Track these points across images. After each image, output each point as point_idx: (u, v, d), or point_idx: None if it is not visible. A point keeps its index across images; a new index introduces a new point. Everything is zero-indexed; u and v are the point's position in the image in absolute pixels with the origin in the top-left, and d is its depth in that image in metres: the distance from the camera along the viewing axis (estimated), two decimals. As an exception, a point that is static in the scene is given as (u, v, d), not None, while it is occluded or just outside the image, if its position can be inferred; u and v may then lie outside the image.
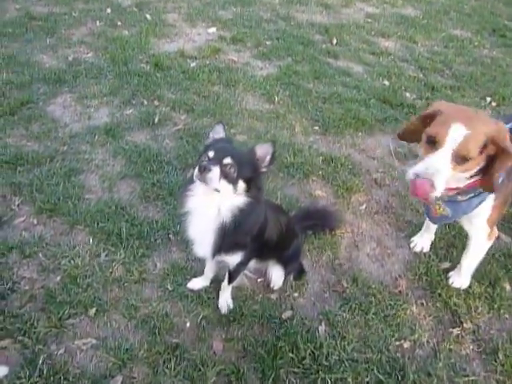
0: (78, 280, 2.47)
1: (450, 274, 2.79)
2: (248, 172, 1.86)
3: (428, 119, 2.02)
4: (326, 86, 4.68)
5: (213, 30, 5.46)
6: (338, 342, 2.38)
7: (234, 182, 1.81)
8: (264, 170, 1.94)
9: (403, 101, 4.63)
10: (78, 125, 3.62)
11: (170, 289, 2.51)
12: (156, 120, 3.76)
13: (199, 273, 2.59)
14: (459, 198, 2.23)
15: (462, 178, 2.06)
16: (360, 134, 4.07)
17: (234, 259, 2.17)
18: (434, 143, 1.91)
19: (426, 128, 2.00)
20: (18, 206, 2.87)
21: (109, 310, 2.37)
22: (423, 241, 2.98)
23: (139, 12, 5.56)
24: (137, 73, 4.30)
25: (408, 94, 4.80)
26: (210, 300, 2.49)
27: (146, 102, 3.97)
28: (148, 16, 5.50)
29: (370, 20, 6.78)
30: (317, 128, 4.03)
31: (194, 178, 1.81)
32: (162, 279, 2.56)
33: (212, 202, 1.87)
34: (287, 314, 2.50)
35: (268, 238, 2.26)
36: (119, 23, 5.26)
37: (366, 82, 4.89)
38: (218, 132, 2.03)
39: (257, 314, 2.46)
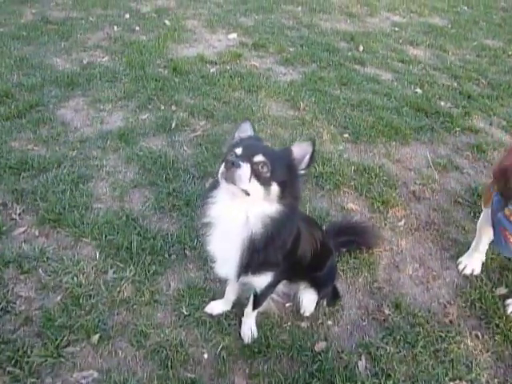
0: (81, 300, 2.16)
1: (508, 301, 2.41)
2: (283, 174, 1.56)
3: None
4: (355, 93, 4.37)
5: (233, 35, 5.23)
6: (383, 382, 2.01)
7: (266, 184, 1.51)
8: (302, 172, 1.62)
9: (439, 109, 4.29)
10: (89, 129, 3.37)
11: (186, 313, 2.18)
12: (173, 125, 3.49)
13: (219, 295, 2.25)
14: None
15: None
16: (394, 143, 3.73)
17: (262, 281, 1.83)
18: None
19: None
20: (20, 215, 2.59)
21: (114, 337, 2.04)
22: (473, 262, 2.61)
23: (158, 18, 5.39)
24: (154, 77, 4.06)
25: (443, 103, 4.46)
26: (231, 327, 2.15)
27: (162, 107, 3.71)
28: (167, 22, 5.31)
29: (396, 29, 6.50)
30: (346, 136, 3.70)
31: (219, 176, 1.49)
32: (176, 301, 2.23)
33: (239, 210, 1.56)
34: (321, 345, 2.14)
35: (301, 255, 1.93)
36: (137, 28, 5.08)
37: (396, 90, 4.57)
38: (245, 130, 1.72)
39: (285, 345, 2.11)
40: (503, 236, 2.22)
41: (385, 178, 3.29)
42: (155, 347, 2.02)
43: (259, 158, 1.49)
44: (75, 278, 2.25)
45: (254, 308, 2.05)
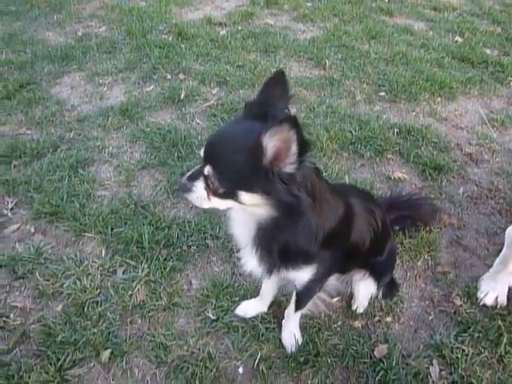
0: (86, 309, 1.79)
1: None
2: (249, 180, 1.12)
3: None
4: (386, 47, 3.82)
5: (244, -6, 4.68)
6: (465, 393, 1.59)
7: (230, 197, 1.18)
8: (289, 168, 1.06)
9: (486, 58, 3.72)
10: (87, 106, 2.95)
11: (213, 317, 1.79)
12: (182, 96, 3.04)
13: (252, 293, 1.86)
14: None
15: None
16: (439, 99, 3.20)
17: (301, 276, 1.43)
18: None
19: None
20: (12, 209, 2.22)
21: (129, 352, 1.68)
22: (498, 287, 1.91)
23: (158, -19, 4.85)
24: (157, 44, 3.59)
25: (489, 51, 3.88)
26: (269, 333, 1.75)
27: (169, 76, 3.25)
28: (168, -16, 4.78)
29: (423, -26, 5.79)
30: (383, 94, 3.19)
31: None
32: (200, 304, 1.84)
33: (236, 215, 1.35)
34: (381, 349, 1.74)
35: (357, 239, 1.50)
36: (136, -6, 4.57)
37: (433, 40, 3.99)
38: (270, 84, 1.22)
39: (338, 352, 1.72)
40: None
41: (434, 140, 2.79)
42: (178, 363, 1.64)
43: (207, 169, 1.17)
44: (78, 282, 1.88)
45: (297, 309, 1.65)
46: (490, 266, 2.01)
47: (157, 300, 1.84)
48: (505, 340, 1.75)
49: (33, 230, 2.12)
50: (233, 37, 3.79)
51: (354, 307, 1.86)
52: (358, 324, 1.82)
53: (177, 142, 2.63)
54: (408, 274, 2.04)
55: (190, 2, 4.49)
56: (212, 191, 1.19)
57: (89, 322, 1.75)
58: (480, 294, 1.92)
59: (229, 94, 3.10)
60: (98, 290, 1.86)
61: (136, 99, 3.00)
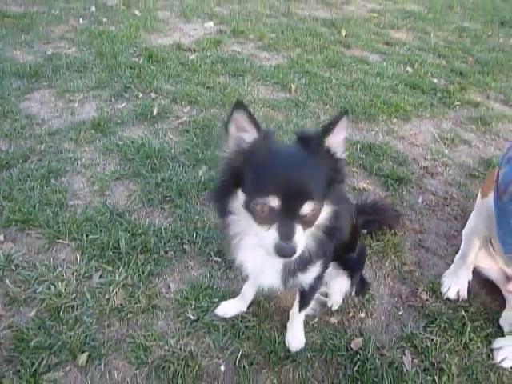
0: (62, 314, 1.74)
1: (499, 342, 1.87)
2: (329, 185, 1.16)
3: None
4: (346, 74, 4.11)
5: (210, 24, 4.90)
6: (437, 378, 1.68)
7: (318, 217, 1.16)
8: (344, 155, 1.19)
9: (434, 86, 4.09)
10: (58, 121, 2.94)
11: (193, 318, 1.80)
12: (155, 113, 3.10)
13: (230, 293, 1.89)
14: None
15: None
16: (395, 120, 3.47)
17: (311, 275, 1.45)
18: None
19: None
20: (-21, 218, 2.15)
21: (107, 355, 1.64)
22: (459, 281, 2.06)
23: (127, 10, 4.99)
24: (128, 65, 3.67)
25: (436, 80, 4.27)
26: (249, 330, 1.78)
27: (141, 95, 3.32)
28: (137, 12, 4.93)
29: (375, 15, 6.35)
30: (345, 115, 3.41)
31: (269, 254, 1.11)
32: (179, 305, 1.84)
33: None
34: (357, 342, 1.81)
35: (341, 232, 1.56)
36: (105, 20, 4.66)
37: (387, 69, 4.34)
38: (242, 125, 1.11)
39: (317, 346, 1.77)
40: None
41: (393, 155, 3.01)
42: (159, 363, 1.63)
43: (308, 208, 1.07)
44: (52, 287, 1.83)
45: (301, 308, 1.68)
46: (450, 264, 2.17)
47: (135, 303, 1.82)
48: (468, 329, 1.88)
49: (2, 238, 2.05)
50: (202, 61, 3.95)
51: (329, 304, 1.93)
52: (334, 320, 1.89)
53: (150, 155, 2.66)
54: (377, 274, 2.15)
55: (159, 28, 4.64)
56: (308, 224, 1.12)
57: (64, 327, 1.70)
58: (443, 289, 2.06)
59: (200, 113, 3.20)
60: (74, 295, 1.82)
61: (108, 115, 3.03)
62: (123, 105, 3.19)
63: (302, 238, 1.09)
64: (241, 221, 1.22)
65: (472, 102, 3.90)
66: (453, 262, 2.16)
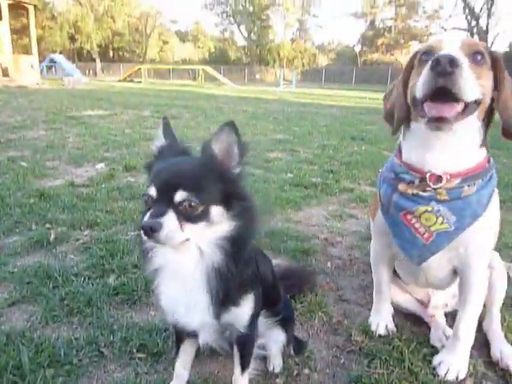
0: None
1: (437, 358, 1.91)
2: (217, 190, 1.22)
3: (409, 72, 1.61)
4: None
5: (101, 165, 5.12)
6: (395, 408, 1.63)
7: (203, 218, 1.19)
8: (237, 169, 1.25)
9: (314, 182, 4.70)
10: None
11: (123, 419, 1.52)
12: (51, 239, 2.96)
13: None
14: (466, 189, 1.58)
15: (474, 118, 1.53)
16: (289, 210, 3.82)
17: (245, 310, 1.41)
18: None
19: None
20: None
21: None
22: (383, 316, 2.15)
23: (12, 162, 4.99)
24: (18, 204, 3.55)
25: (314, 179, 4.91)
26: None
27: (34, 227, 3.17)
28: (24, 164, 4.95)
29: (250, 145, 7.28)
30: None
31: (145, 242, 1.22)
32: (104, 410, 1.56)
33: (188, 248, 1.24)
34: (309, 398, 1.69)
35: (262, 276, 1.58)
36: (-12, 173, 4.57)
37: (272, 177, 4.89)
38: (159, 133, 1.36)
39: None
40: (406, 225, 1.68)
41: (295, 234, 3.25)
42: None
43: (181, 195, 1.15)
44: None
45: (244, 369, 1.55)
46: (371, 309, 2.27)
47: (47, 423, 1.50)
48: (407, 354, 1.91)
49: None
50: (98, 192, 4.01)
51: (270, 368, 1.82)
52: (279, 381, 1.77)
53: (51, 274, 2.47)
54: (310, 332, 2.13)
55: (49, 174, 4.67)
56: (186, 217, 1.15)
57: None
58: (373, 327, 2.12)
59: (102, 231, 3.14)
60: (-38, 434, 1.44)
61: (-3, 249, 2.80)
62: (15, 238, 2.99)
63: (174, 221, 1.13)
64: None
65: (348, 189, 4.52)
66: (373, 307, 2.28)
